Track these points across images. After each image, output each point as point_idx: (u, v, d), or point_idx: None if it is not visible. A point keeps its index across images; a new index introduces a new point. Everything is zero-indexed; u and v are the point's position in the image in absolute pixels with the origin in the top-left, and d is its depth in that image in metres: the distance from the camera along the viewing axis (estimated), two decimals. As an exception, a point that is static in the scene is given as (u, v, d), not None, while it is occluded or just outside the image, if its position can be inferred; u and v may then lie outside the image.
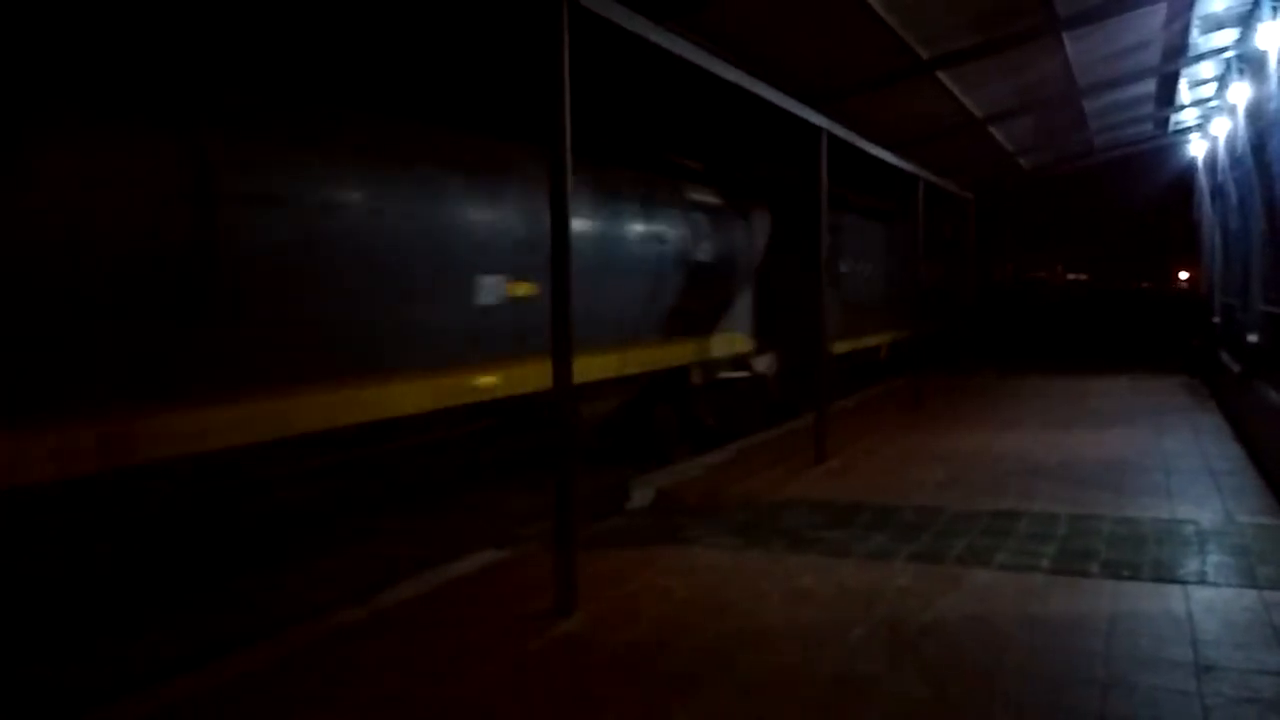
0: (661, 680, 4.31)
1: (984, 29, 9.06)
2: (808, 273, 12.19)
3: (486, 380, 7.96)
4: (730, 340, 12.34)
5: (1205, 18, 10.42)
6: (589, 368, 8.19)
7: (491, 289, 7.92)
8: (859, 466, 9.26)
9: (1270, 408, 8.70)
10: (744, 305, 12.66)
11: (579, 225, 7.78)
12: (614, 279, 9.57)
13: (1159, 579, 5.54)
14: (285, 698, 4.27)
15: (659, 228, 10.60)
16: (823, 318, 9.92)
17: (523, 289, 8.16)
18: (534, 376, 7.89)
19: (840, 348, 14.33)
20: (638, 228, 10.28)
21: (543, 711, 4.08)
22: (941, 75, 10.12)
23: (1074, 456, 9.43)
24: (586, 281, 7.49)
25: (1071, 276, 36.35)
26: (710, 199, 11.99)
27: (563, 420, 5.28)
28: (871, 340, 17.29)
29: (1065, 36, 9.73)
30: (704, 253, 11.50)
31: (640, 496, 8.01)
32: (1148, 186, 25.21)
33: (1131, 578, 5.57)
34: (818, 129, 9.25)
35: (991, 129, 13.65)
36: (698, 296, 11.31)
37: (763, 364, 13.06)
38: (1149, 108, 15.46)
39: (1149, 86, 13.70)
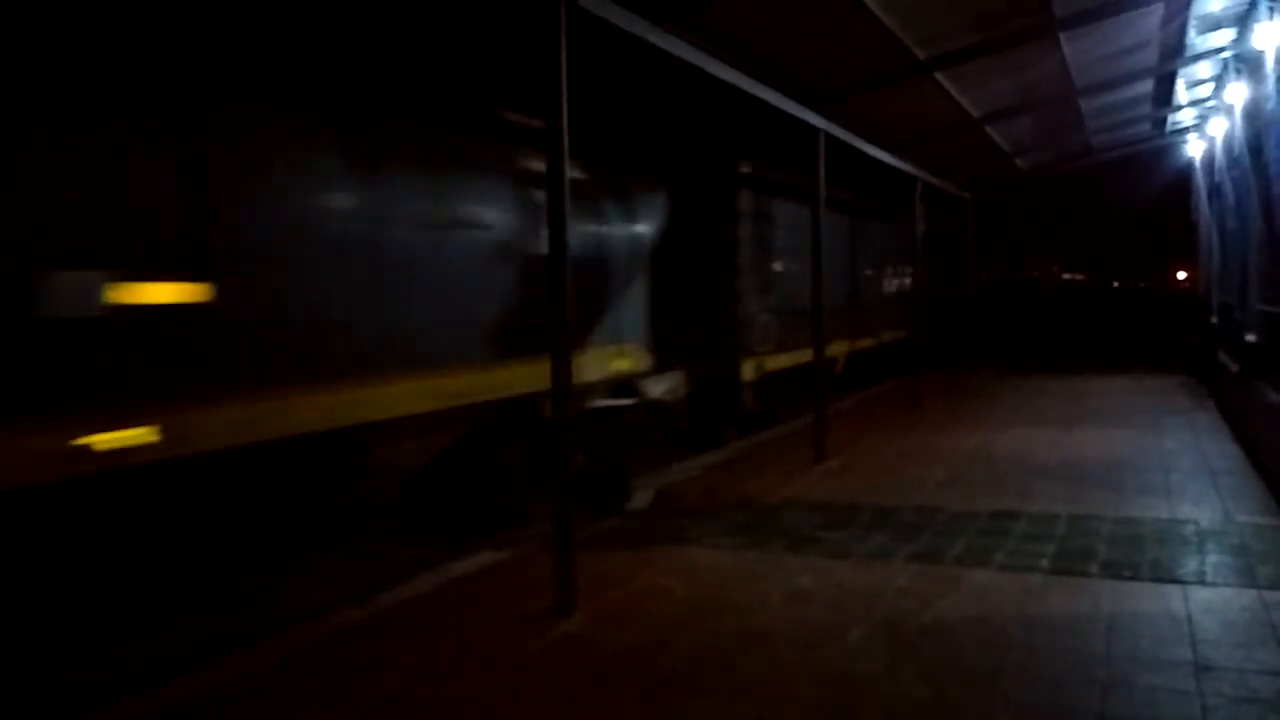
0: (661, 680, 4.31)
1: (981, 29, 9.06)
2: (721, 271, 11.20)
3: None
4: (607, 358, 9.28)
5: (1202, 18, 10.42)
6: (360, 403, 6.36)
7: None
8: (858, 467, 9.26)
9: (1268, 407, 8.70)
10: (631, 313, 9.71)
11: (321, 197, 6.26)
12: (403, 277, 6.88)
13: (1158, 579, 5.54)
14: (285, 698, 4.27)
15: (476, 208, 7.67)
16: (816, 322, 9.90)
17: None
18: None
19: (774, 362, 12.27)
20: (443, 206, 7.32)
21: (543, 711, 4.08)
22: (939, 75, 10.12)
23: (1073, 456, 9.44)
24: (340, 280, 6.18)
25: (1067, 276, 36.37)
26: (571, 173, 8.07)
27: (561, 422, 5.29)
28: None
29: (1062, 37, 9.74)
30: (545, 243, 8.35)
31: (640, 497, 8.02)
32: (1145, 186, 25.22)
33: (1131, 578, 5.57)
34: (816, 129, 9.26)
35: (989, 129, 13.65)
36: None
37: (661, 386, 10.27)
38: (1146, 108, 15.46)
39: (1146, 87, 13.70)
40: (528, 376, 7.77)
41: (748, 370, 11.59)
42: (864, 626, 4.89)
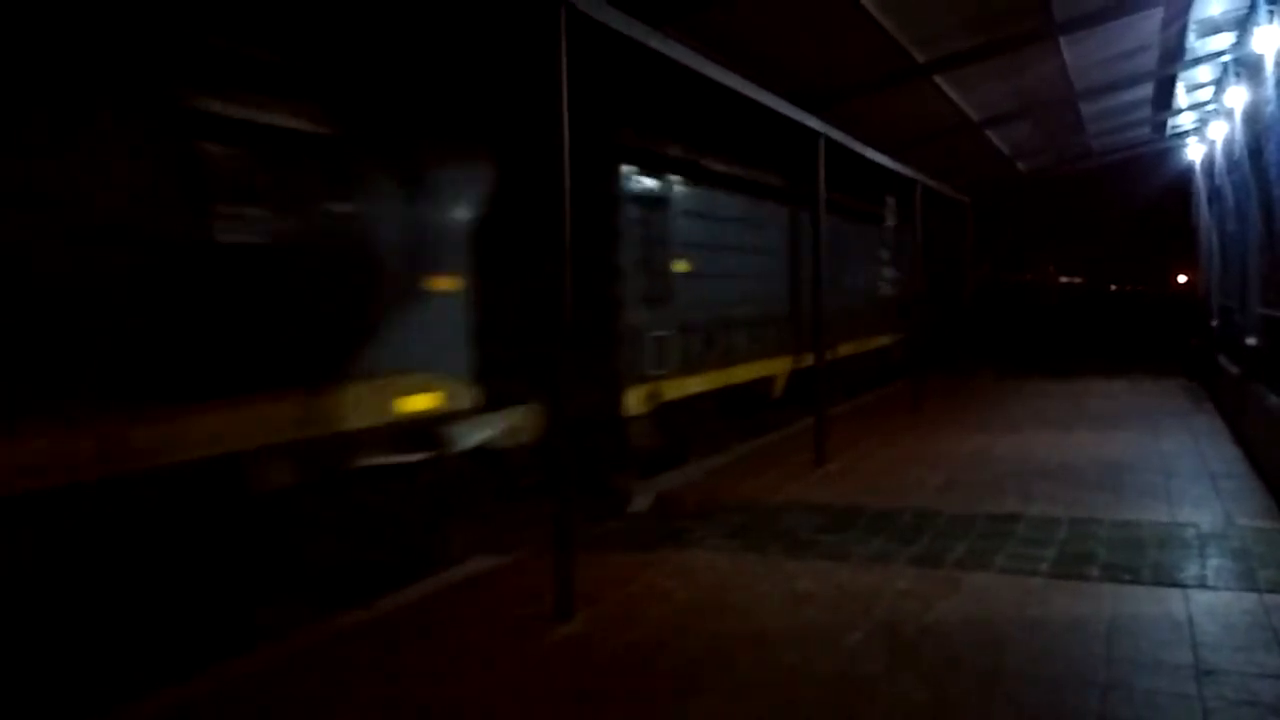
0: (662, 682, 4.31)
1: (981, 32, 9.07)
2: (594, 274, 8.12)
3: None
4: (390, 393, 6.44)
5: (1202, 22, 10.43)
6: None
7: None
8: (858, 469, 9.26)
9: (1268, 411, 8.70)
10: (437, 330, 6.91)
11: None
12: None
13: (1159, 582, 5.54)
14: (286, 699, 4.27)
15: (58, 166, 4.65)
16: (819, 322, 9.89)
17: None
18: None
19: (678, 388, 9.70)
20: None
21: (543, 713, 4.08)
22: (938, 79, 10.14)
23: (1073, 459, 9.44)
24: None
25: (1064, 279, 36.36)
26: (273, 118, 5.72)
27: (561, 426, 5.29)
28: (752, 371, 11.55)
29: (1062, 40, 9.75)
30: (240, 226, 5.49)
31: (640, 500, 8.02)
32: (1145, 190, 25.24)
33: (1131, 581, 5.57)
34: (815, 133, 9.27)
35: (989, 132, 13.67)
36: (240, 316, 5.50)
37: (487, 430, 7.42)
38: (1146, 111, 15.47)
39: (1146, 90, 13.72)
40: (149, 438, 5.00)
41: (634, 400, 8.95)
42: (864, 628, 4.89)
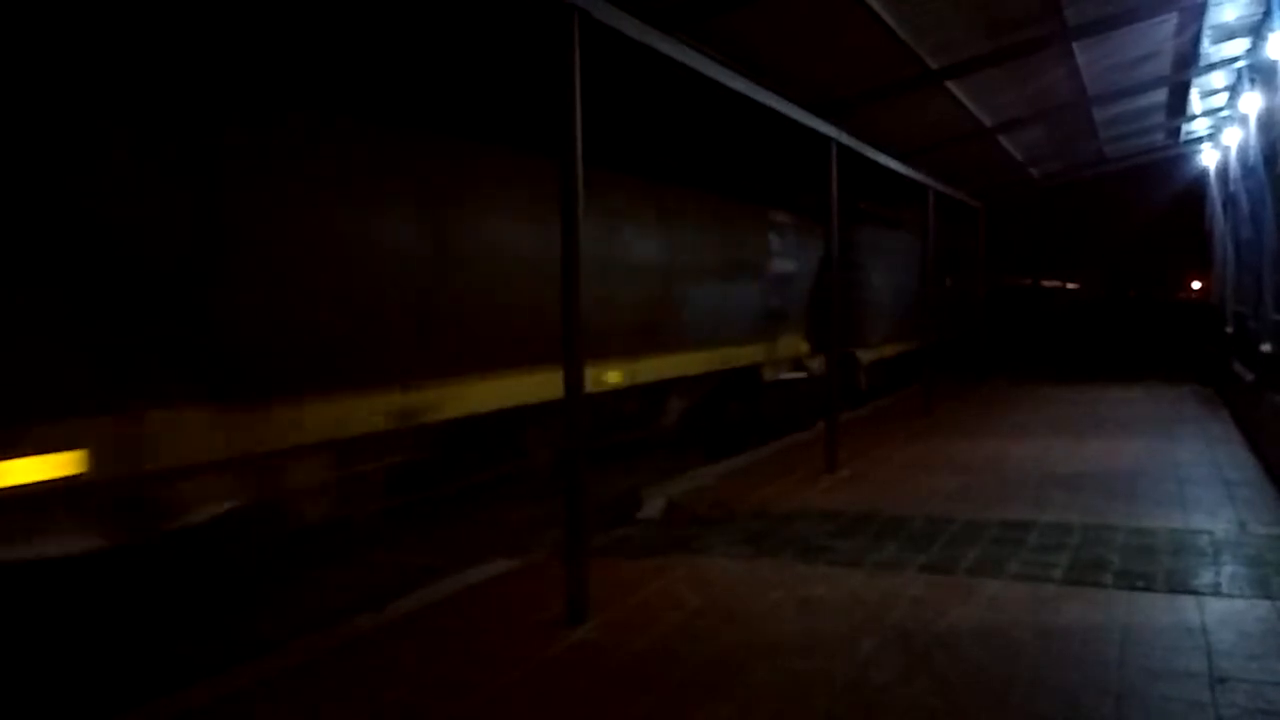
0: (674, 689, 4.32)
1: (994, 38, 9.07)
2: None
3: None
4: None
5: (1216, 27, 10.41)
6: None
7: None
8: (870, 475, 9.25)
9: (1283, 417, 8.66)
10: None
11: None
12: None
13: (1173, 590, 5.51)
14: (299, 704, 4.29)
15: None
16: (834, 318, 9.89)
17: None
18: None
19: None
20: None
21: (554, 717, 4.08)
22: (951, 85, 10.13)
23: (1086, 466, 9.40)
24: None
25: (1076, 284, 36.22)
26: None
27: (573, 428, 5.30)
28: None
29: (1075, 46, 9.73)
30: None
31: (651, 506, 8.02)
32: (1160, 196, 25.17)
33: (1145, 588, 5.55)
34: (827, 138, 9.27)
35: (1001, 138, 13.65)
36: None
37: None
38: (1160, 117, 15.43)
39: (1160, 96, 13.68)
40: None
41: (863, 356, 16.32)
42: (876, 636, 4.88)
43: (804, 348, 14.18)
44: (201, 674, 4.70)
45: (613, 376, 9.65)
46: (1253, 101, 11.55)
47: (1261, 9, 9.85)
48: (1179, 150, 19.27)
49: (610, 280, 9.34)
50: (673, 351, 10.74)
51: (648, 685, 4.37)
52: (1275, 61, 9.54)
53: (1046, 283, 32.44)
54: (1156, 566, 5.95)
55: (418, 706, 4.21)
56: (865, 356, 15.80)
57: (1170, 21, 9.78)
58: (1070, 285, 35.79)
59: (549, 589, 5.54)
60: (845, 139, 9.62)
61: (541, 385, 8.05)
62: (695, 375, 11.24)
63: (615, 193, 9.83)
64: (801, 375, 14.27)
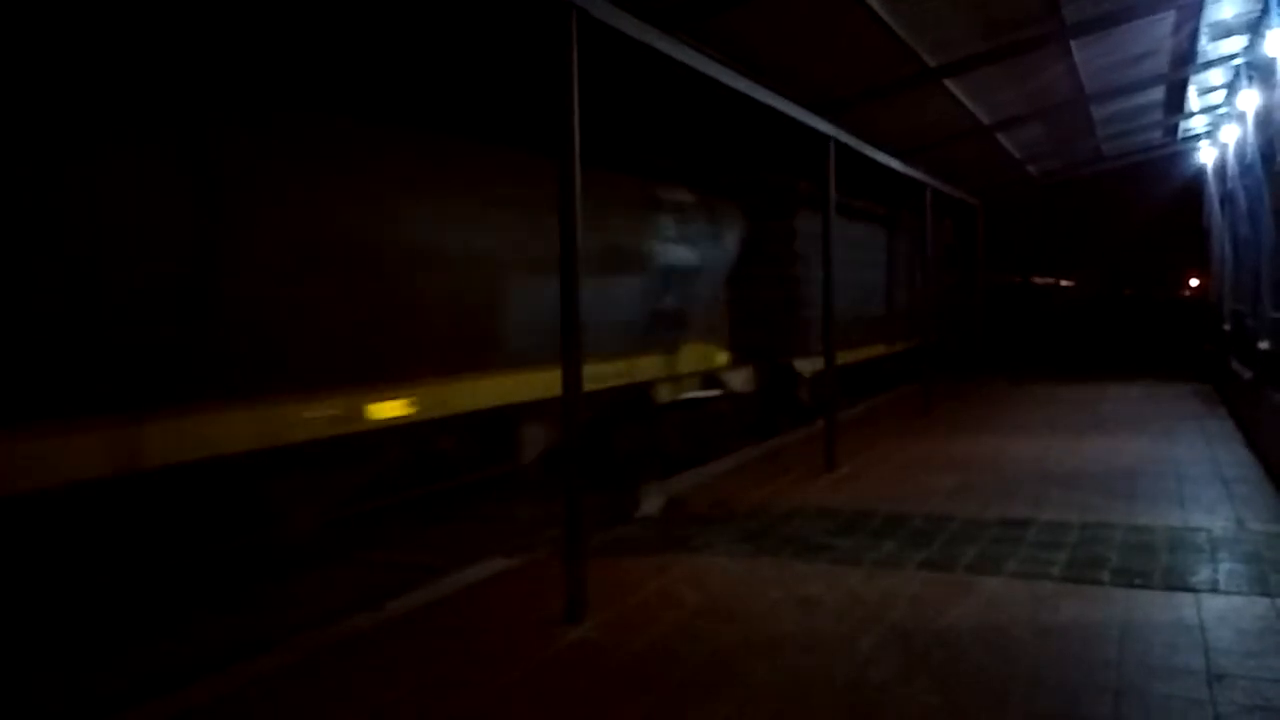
0: (673, 688, 4.32)
1: (992, 36, 9.06)
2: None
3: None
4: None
5: (1214, 25, 10.40)
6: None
7: None
8: (869, 474, 9.25)
9: (1281, 415, 8.67)
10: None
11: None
12: None
13: (1171, 587, 5.52)
14: (296, 703, 4.29)
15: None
16: (827, 327, 9.87)
17: None
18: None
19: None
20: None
21: (553, 716, 4.08)
22: (949, 83, 10.13)
23: (1085, 464, 9.41)
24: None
25: (1073, 282, 36.19)
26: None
27: (570, 427, 5.30)
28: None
29: (1073, 44, 9.73)
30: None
31: (650, 504, 8.02)
32: (1157, 193, 25.18)
33: (1143, 586, 5.55)
34: (825, 137, 9.27)
35: (999, 136, 13.64)
36: None
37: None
38: (1158, 115, 15.43)
39: (1158, 93, 13.68)
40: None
41: (804, 366, 13.40)
42: (875, 634, 4.88)
43: (722, 358, 11.36)
44: (198, 673, 4.70)
45: (398, 408, 7.06)
46: (1250, 99, 11.54)
47: (1259, 6, 9.84)
48: (1177, 148, 19.27)
49: (400, 275, 7.18)
50: (513, 369, 8.05)
51: (647, 684, 4.37)
52: (1273, 59, 9.53)
53: (1038, 280, 32.27)
54: (1155, 564, 5.96)
55: (417, 706, 4.21)
56: (808, 367, 13.06)
57: (1168, 19, 9.78)
58: (1064, 283, 35.74)
59: (548, 588, 5.54)
60: (844, 137, 9.62)
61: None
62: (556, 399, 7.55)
63: (402, 155, 7.40)
64: (715, 394, 11.56)
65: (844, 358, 13.49)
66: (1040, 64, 10.32)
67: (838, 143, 9.49)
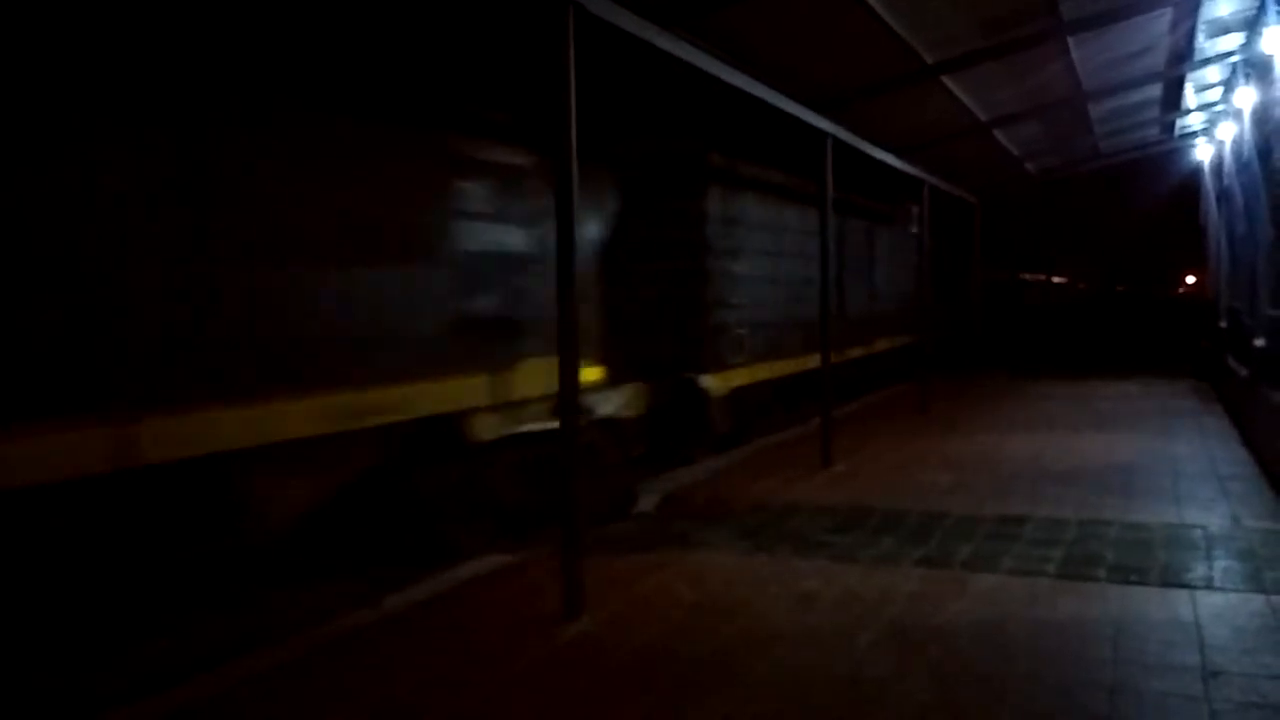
0: (670, 684, 4.33)
1: (989, 34, 9.07)
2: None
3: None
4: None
5: (1211, 22, 10.42)
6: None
7: None
8: (865, 471, 9.26)
9: (1276, 412, 8.68)
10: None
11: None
12: None
13: (1166, 584, 5.54)
14: (293, 701, 4.29)
15: None
16: (826, 323, 9.88)
17: None
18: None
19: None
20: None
21: (552, 714, 4.09)
22: (947, 80, 10.13)
23: (1081, 461, 9.43)
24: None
25: (1064, 279, 36.20)
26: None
27: (568, 424, 5.31)
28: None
29: (1070, 41, 9.74)
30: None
31: (647, 501, 8.03)
32: (1155, 191, 25.22)
33: (1139, 583, 5.57)
34: (823, 133, 9.28)
35: (997, 133, 13.65)
36: None
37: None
38: (1155, 112, 15.45)
39: (1155, 91, 13.70)
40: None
41: (715, 384, 10.38)
42: (872, 630, 4.90)
43: (594, 375, 8.45)
44: (192, 671, 4.70)
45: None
46: (1247, 96, 11.56)
47: (1256, 3, 9.86)
48: (1174, 145, 19.31)
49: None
50: (220, 403, 5.26)
51: (646, 681, 4.37)
52: (1270, 56, 9.55)
53: (1027, 277, 32.09)
54: (1151, 561, 5.98)
55: (415, 703, 4.21)
56: (721, 384, 10.41)
57: (1165, 16, 9.79)
58: (1056, 279, 35.72)
59: (545, 585, 5.55)
60: (842, 134, 9.63)
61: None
62: (309, 439, 5.79)
63: None
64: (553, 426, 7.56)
65: (763, 371, 11.58)
66: (1038, 61, 10.33)
67: (836, 140, 9.50)
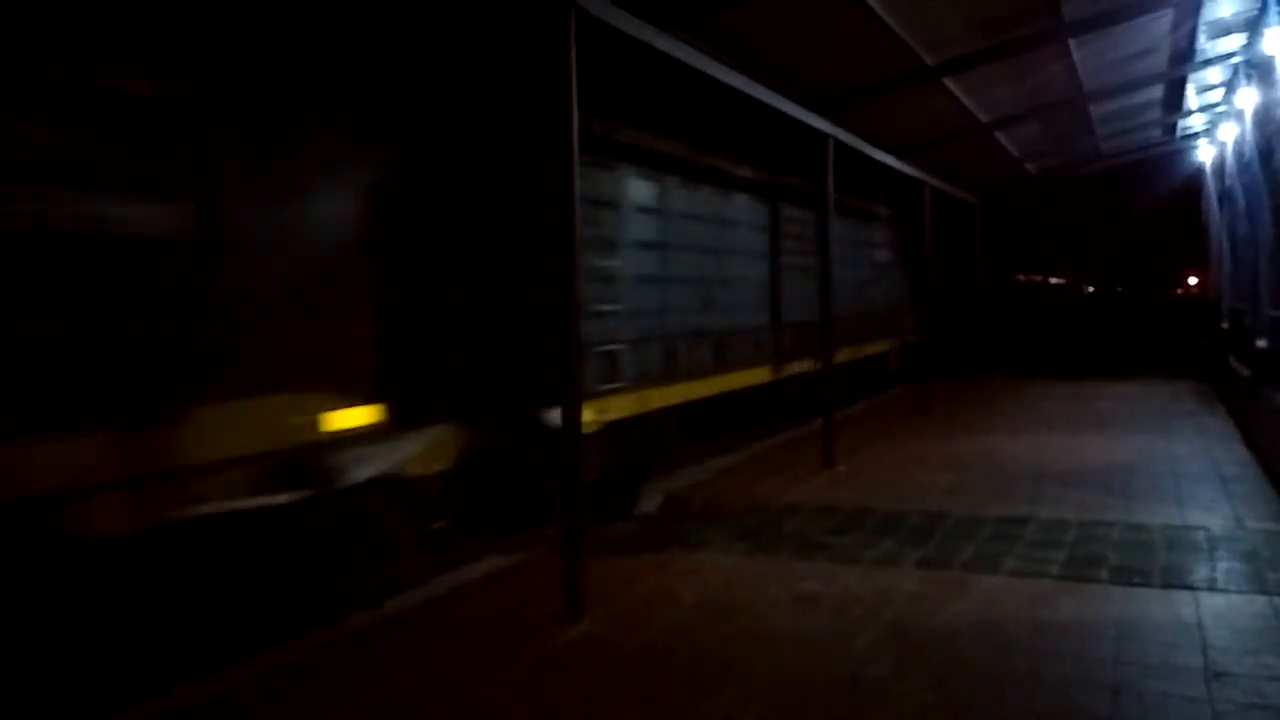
0: (672, 685, 4.32)
1: (990, 35, 9.06)
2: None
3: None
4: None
5: (1212, 23, 10.40)
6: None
7: None
8: (866, 471, 9.25)
9: (1279, 413, 8.67)
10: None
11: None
12: None
13: (1169, 585, 5.53)
14: (295, 701, 4.29)
15: None
16: (827, 325, 9.87)
17: None
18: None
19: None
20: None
21: (554, 714, 4.09)
22: (948, 81, 10.12)
23: (1082, 461, 9.41)
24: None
25: (1062, 280, 36.16)
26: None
27: (569, 426, 5.30)
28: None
29: (1071, 42, 9.72)
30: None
31: (648, 502, 8.03)
32: (1156, 192, 25.21)
33: (1141, 584, 5.56)
34: (824, 135, 9.27)
35: (998, 134, 13.64)
36: None
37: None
38: (1156, 113, 15.43)
39: (1156, 92, 13.68)
40: None
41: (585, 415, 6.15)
42: (872, 631, 4.89)
43: (358, 418, 5.86)
44: (195, 671, 4.69)
45: None
46: (1249, 97, 11.55)
47: (1257, 4, 9.85)
48: (1175, 146, 19.28)
49: None
50: None
51: (647, 681, 4.37)
52: (1271, 57, 9.54)
53: (1023, 278, 31.95)
54: (1152, 562, 5.96)
55: (416, 704, 4.21)
56: (586, 416, 6.32)
57: (1166, 17, 9.77)
58: (1054, 280, 35.67)
59: (546, 585, 5.54)
60: (842, 135, 9.62)
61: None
62: None
63: None
64: (304, 495, 5.50)
65: (655, 399, 8.95)
66: (1039, 62, 10.31)
67: (837, 140, 9.49)
